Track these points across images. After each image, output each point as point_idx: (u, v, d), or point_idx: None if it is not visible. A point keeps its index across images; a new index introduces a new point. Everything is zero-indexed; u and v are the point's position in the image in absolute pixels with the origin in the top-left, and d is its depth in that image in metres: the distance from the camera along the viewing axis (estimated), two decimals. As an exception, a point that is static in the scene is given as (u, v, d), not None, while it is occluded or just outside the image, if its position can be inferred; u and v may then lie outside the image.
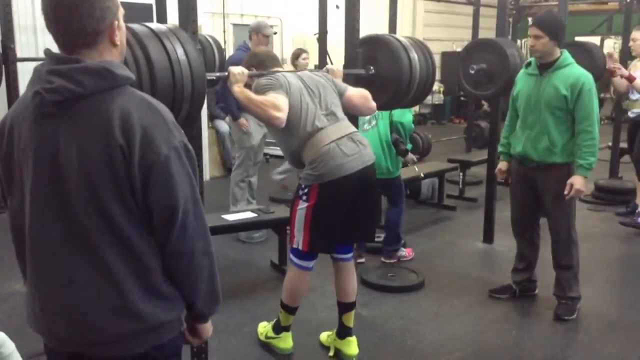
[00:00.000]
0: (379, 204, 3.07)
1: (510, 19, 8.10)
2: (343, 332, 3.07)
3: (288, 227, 4.46)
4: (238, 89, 2.74)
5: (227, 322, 3.35)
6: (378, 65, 3.54)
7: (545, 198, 3.48)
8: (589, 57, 5.26)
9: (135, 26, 2.22)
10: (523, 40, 10.17)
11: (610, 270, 4.40)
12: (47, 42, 5.13)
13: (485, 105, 10.90)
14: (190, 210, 1.37)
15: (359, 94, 3.02)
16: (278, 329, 3.11)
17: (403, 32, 5.67)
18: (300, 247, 2.86)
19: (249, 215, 4.21)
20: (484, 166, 5.11)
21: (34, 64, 4.55)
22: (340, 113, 2.89)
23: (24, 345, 2.47)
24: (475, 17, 7.42)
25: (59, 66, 1.30)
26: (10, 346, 2.30)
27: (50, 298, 1.39)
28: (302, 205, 2.80)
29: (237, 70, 2.77)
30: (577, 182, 3.26)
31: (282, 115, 2.67)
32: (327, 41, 5.03)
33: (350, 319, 3.06)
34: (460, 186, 6.42)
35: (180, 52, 2.25)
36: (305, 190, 2.80)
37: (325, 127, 2.79)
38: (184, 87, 2.25)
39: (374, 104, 3.06)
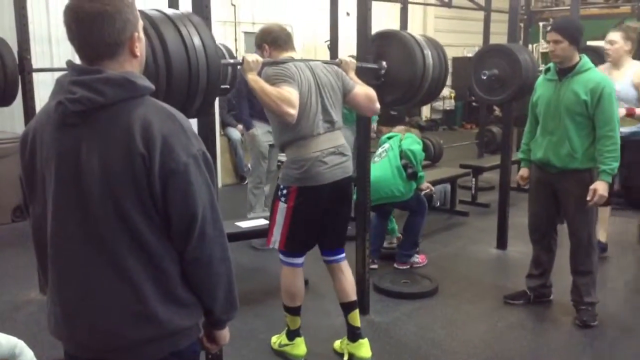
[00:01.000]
0: (349, 214, 3.13)
1: (522, 24, 8.07)
2: (353, 333, 3.07)
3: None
4: (252, 77, 2.69)
5: (241, 329, 3.36)
6: (391, 60, 3.48)
7: (567, 204, 3.46)
8: (601, 62, 5.23)
9: (149, 11, 2.19)
10: (534, 45, 10.15)
11: (625, 276, 4.36)
12: (62, 52, 5.15)
13: (497, 111, 10.86)
14: (208, 217, 1.39)
15: (364, 94, 3.00)
16: (291, 334, 3.12)
17: (414, 39, 5.70)
18: (276, 247, 2.94)
19: (261, 222, 4.21)
20: (497, 172, 5.09)
21: (49, 75, 4.57)
22: (338, 122, 2.91)
23: (41, 353, 2.50)
24: (487, 22, 7.40)
25: (81, 77, 1.33)
26: (28, 354, 2.33)
27: (71, 304, 1.41)
28: (282, 207, 2.86)
29: (252, 58, 2.72)
30: (600, 187, 3.23)
31: (295, 112, 2.66)
32: (338, 48, 5.04)
33: (356, 318, 3.07)
34: (473, 192, 6.39)
35: (196, 39, 2.20)
36: (284, 192, 2.86)
37: (319, 135, 2.81)
38: (200, 74, 2.21)
39: (377, 106, 3.04)
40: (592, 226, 3.47)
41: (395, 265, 4.44)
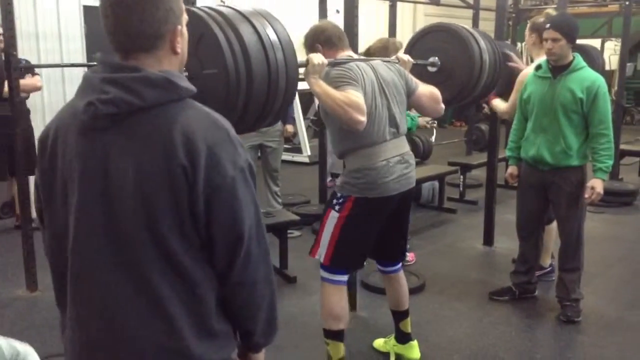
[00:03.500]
0: (408, 224, 2.96)
1: (510, 22, 8.12)
2: (404, 337, 3.03)
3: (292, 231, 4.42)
4: (315, 81, 2.44)
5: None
6: (445, 56, 3.26)
7: (558, 201, 3.48)
8: (589, 60, 5.26)
9: (223, 8, 2.05)
10: (522, 44, 10.20)
11: (610, 272, 4.41)
12: (49, 48, 5.12)
13: (486, 108, 10.93)
14: (254, 235, 1.26)
15: (429, 95, 2.78)
16: None
17: (403, 36, 5.69)
18: (321, 260, 2.68)
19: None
20: (484, 169, 5.12)
21: (35, 71, 4.48)
22: (403, 126, 2.68)
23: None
24: (475, 20, 7.44)
25: (115, 74, 1.17)
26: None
27: (93, 332, 1.25)
28: (334, 215, 2.61)
29: (318, 60, 2.44)
30: (597, 185, 3.27)
31: (365, 119, 2.41)
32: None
33: (407, 325, 3.02)
34: (461, 189, 6.44)
35: (272, 36, 2.03)
36: (340, 200, 2.61)
37: (387, 141, 2.58)
38: (279, 75, 2.04)
39: (442, 107, 2.84)
40: (582, 224, 3.51)
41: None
